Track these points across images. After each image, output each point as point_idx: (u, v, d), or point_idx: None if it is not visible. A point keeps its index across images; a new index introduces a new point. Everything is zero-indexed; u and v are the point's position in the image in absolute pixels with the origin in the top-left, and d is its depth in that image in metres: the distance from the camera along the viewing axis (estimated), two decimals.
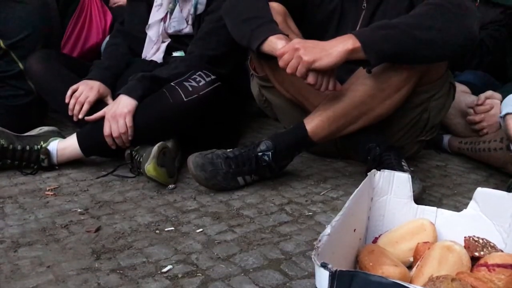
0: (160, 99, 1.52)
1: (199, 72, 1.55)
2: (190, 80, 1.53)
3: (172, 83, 1.53)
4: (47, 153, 1.51)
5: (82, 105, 1.60)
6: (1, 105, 1.81)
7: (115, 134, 1.50)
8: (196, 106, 1.52)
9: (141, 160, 1.44)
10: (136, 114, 1.51)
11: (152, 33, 1.75)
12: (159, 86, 1.55)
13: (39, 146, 1.52)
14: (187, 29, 1.72)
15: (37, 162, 1.52)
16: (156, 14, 1.74)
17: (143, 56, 1.79)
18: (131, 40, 1.81)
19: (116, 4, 2.42)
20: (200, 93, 1.51)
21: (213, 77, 1.55)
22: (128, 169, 1.53)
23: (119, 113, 1.50)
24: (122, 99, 1.52)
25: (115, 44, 1.81)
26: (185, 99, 1.50)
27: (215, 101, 1.56)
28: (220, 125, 1.76)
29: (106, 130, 1.50)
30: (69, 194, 1.38)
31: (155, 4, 1.75)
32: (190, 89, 1.51)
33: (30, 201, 1.33)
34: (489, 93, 1.68)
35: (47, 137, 1.55)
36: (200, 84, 1.52)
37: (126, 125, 1.49)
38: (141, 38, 1.78)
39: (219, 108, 1.61)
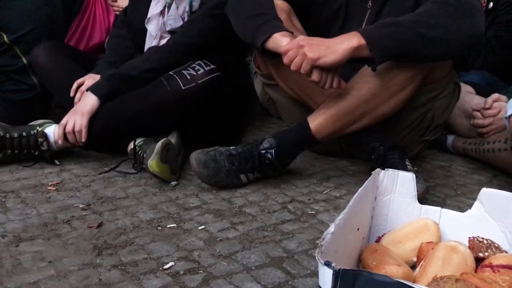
0: (157, 87, 1.52)
1: (199, 61, 1.54)
2: (189, 68, 1.52)
3: (170, 72, 1.52)
4: (44, 135, 1.52)
5: None
6: (4, 100, 1.81)
7: (68, 129, 1.50)
8: (194, 94, 1.50)
9: (144, 155, 1.44)
10: (132, 99, 1.52)
11: (152, 27, 1.73)
12: (129, 84, 1.54)
13: (35, 131, 1.53)
14: None
15: (36, 147, 1.52)
16: (154, 8, 1.72)
17: (145, 51, 1.78)
18: (134, 33, 1.80)
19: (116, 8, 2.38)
20: (199, 82, 1.50)
21: (212, 66, 1.54)
22: (131, 165, 1.53)
23: (80, 110, 1.51)
24: (87, 96, 1.54)
25: (120, 36, 1.81)
26: (183, 88, 1.49)
27: (214, 90, 1.54)
28: (224, 122, 1.75)
29: (62, 122, 1.51)
30: (71, 189, 1.38)
31: None
32: (189, 77, 1.50)
33: (32, 196, 1.32)
34: (496, 96, 1.66)
35: (42, 124, 1.56)
36: (199, 72, 1.51)
37: (81, 124, 1.49)
38: (144, 30, 1.76)
39: (219, 100, 1.59)
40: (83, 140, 1.51)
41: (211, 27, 1.56)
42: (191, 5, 1.67)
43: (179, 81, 1.50)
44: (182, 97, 1.50)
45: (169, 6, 1.70)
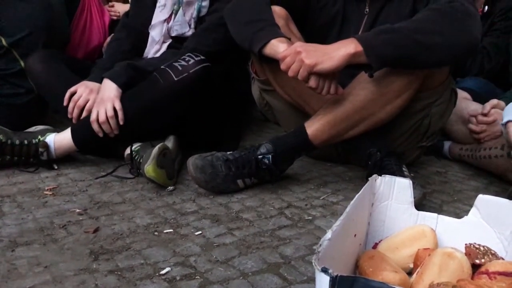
0: (151, 82, 1.53)
1: (188, 53, 1.55)
2: (180, 60, 1.53)
3: (162, 66, 1.53)
4: (46, 145, 1.52)
5: (81, 109, 1.58)
6: (1, 103, 1.81)
7: (101, 119, 1.50)
8: (187, 85, 1.51)
9: (141, 160, 1.43)
10: (128, 98, 1.52)
11: (155, 33, 1.74)
12: (142, 77, 1.55)
13: (37, 140, 1.53)
14: (190, 32, 1.71)
15: (36, 156, 1.52)
16: (159, 15, 1.73)
17: (145, 54, 1.78)
18: (135, 36, 1.80)
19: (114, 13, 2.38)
20: (190, 71, 1.51)
21: (202, 57, 1.54)
22: (128, 170, 1.53)
23: (106, 97, 1.50)
24: (107, 84, 1.53)
25: (119, 39, 1.81)
26: (175, 79, 1.50)
27: (206, 81, 1.54)
28: (222, 127, 1.75)
29: (93, 116, 1.51)
30: (68, 194, 1.37)
31: (158, 4, 1.74)
32: (180, 68, 1.51)
33: (28, 200, 1.32)
34: (495, 101, 1.66)
35: (43, 132, 1.56)
36: (190, 63, 1.52)
37: (113, 109, 1.49)
38: (146, 33, 1.77)
39: (212, 92, 1.60)
40: (121, 122, 1.50)
41: (224, 35, 1.57)
42: (199, 12, 1.68)
43: (171, 73, 1.51)
44: (176, 89, 1.50)
45: (175, 12, 1.71)
